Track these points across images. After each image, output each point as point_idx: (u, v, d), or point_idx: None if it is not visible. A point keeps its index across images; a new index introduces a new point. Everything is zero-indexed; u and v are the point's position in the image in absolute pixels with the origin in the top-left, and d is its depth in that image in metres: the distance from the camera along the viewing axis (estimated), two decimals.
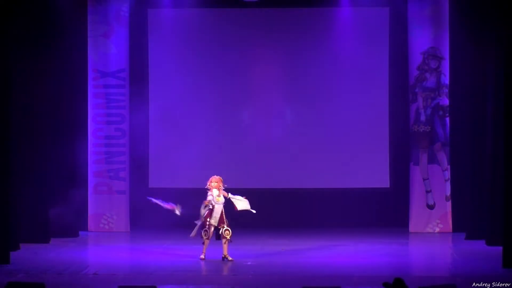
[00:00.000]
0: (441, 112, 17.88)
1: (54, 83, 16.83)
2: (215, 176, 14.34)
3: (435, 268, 14.14)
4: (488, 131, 16.14)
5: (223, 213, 14.19)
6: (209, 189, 14.25)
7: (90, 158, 18.13)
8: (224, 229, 14.11)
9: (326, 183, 18.52)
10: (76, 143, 17.53)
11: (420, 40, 17.86)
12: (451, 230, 17.78)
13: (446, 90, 17.82)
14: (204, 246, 14.26)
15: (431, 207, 17.90)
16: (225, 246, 14.18)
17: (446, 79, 17.82)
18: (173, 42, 18.65)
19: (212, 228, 14.14)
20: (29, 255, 14.76)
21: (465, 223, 17.19)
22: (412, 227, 17.94)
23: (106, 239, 17.09)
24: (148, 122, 18.62)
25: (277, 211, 18.28)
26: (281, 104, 18.69)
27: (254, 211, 14.31)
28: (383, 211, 18.57)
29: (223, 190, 14.25)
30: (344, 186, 18.55)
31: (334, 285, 11.35)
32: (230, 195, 14.26)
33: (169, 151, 18.57)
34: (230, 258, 14.15)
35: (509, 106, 13.38)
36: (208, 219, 14.13)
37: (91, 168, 18.13)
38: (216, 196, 14.16)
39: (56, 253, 15.18)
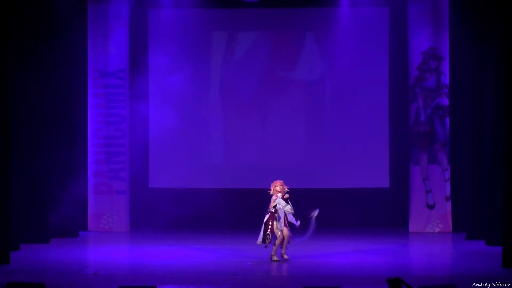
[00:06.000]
0: (441, 112, 17.88)
1: (54, 83, 16.82)
2: (278, 180, 14.18)
3: (435, 268, 14.14)
4: (488, 131, 16.13)
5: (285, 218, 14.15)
6: (273, 194, 14.12)
7: (90, 158, 18.12)
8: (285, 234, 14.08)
9: (326, 183, 18.50)
10: (76, 143, 17.53)
11: (420, 40, 17.85)
12: (451, 230, 17.78)
13: (446, 90, 17.82)
14: (273, 247, 14.19)
15: (431, 207, 17.90)
16: (284, 245, 14.13)
17: (446, 79, 17.82)
18: (173, 42, 18.64)
19: (279, 232, 14.04)
20: (29, 255, 14.76)
21: (465, 223, 17.20)
22: (412, 227, 17.94)
23: (106, 239, 17.08)
24: (148, 121, 18.60)
25: None
26: (280, 104, 18.67)
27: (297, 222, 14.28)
28: (383, 211, 18.55)
29: (286, 192, 14.16)
30: (344, 186, 18.54)
31: (334, 285, 11.36)
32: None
33: (169, 151, 18.57)
34: (286, 257, 14.15)
35: (509, 106, 13.37)
36: (270, 224, 14.04)
37: (91, 168, 18.12)
38: (282, 204, 14.06)
39: (56, 253, 15.17)
